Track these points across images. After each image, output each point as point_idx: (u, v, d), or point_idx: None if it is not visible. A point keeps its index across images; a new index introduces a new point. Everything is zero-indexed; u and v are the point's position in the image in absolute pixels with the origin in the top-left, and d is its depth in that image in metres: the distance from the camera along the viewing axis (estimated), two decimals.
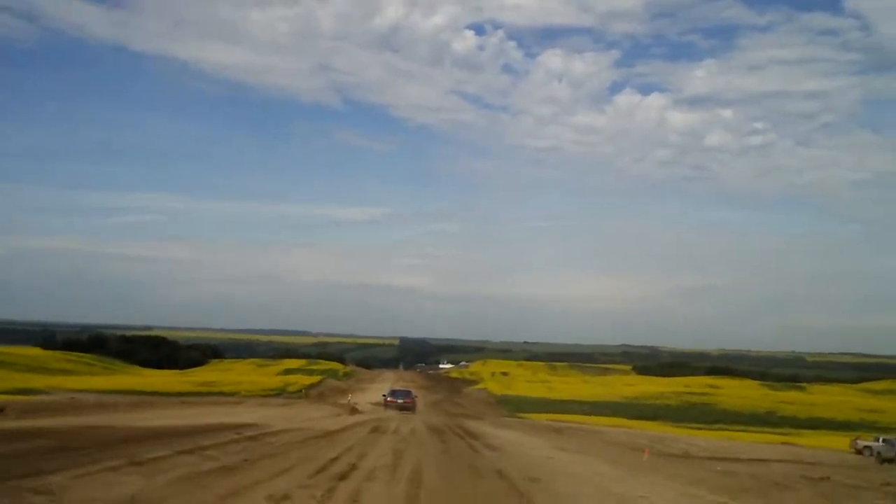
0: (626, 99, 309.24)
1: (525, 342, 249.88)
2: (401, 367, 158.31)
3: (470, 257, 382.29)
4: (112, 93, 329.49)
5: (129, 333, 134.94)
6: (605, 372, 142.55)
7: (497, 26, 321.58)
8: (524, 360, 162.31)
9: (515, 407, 59.59)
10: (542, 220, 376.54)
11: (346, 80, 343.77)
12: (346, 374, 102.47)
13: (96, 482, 9.65)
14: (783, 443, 25.82)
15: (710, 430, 45.36)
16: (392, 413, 34.04)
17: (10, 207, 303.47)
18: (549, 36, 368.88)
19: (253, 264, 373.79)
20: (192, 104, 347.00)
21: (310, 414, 31.42)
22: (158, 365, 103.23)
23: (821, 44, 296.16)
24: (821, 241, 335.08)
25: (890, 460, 34.08)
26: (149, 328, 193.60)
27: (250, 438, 16.39)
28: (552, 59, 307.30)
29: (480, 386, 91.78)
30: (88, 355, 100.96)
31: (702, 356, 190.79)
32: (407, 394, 41.96)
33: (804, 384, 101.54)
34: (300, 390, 65.99)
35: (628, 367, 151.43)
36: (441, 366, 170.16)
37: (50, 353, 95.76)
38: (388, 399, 39.96)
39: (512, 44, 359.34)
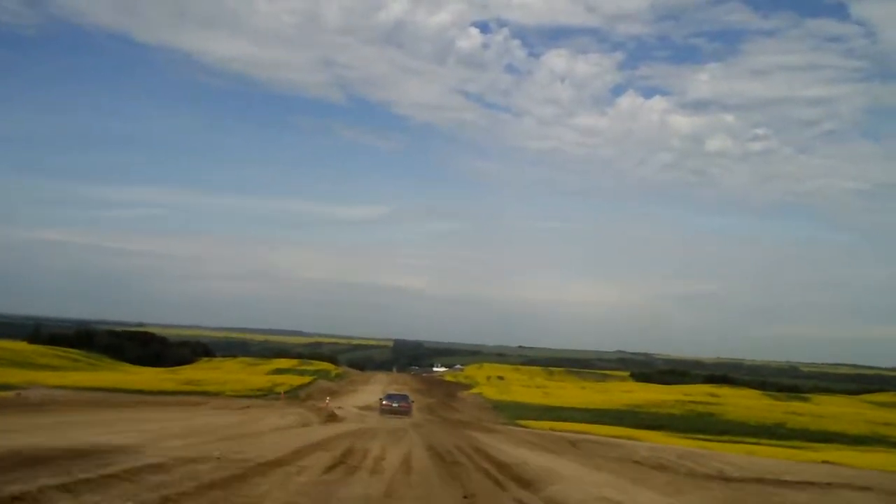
0: (628, 101, 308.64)
1: (520, 346, 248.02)
2: (394, 369, 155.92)
3: (467, 259, 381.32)
4: (111, 83, 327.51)
5: (119, 329, 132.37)
6: (603, 378, 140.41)
7: (502, 24, 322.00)
8: (520, 365, 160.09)
9: (513, 413, 57.36)
10: (541, 223, 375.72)
11: (349, 76, 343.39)
12: (338, 376, 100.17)
13: None
14: (823, 461, 23.41)
15: (718, 441, 43.34)
16: (380, 424, 29.78)
17: (3, 198, 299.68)
18: (554, 36, 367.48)
19: (249, 261, 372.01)
20: (193, 96, 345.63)
21: (267, 423, 24.40)
22: (147, 362, 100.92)
23: (826, 50, 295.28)
24: (817, 250, 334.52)
25: None
26: (142, 325, 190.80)
27: (83, 482, 8.99)
28: (556, 59, 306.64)
29: (476, 390, 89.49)
30: (75, 350, 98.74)
31: (697, 364, 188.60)
32: (403, 398, 43.20)
33: (808, 395, 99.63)
34: (280, 392, 63.73)
35: (625, 374, 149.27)
36: (435, 368, 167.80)
37: (35, 347, 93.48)
38: (385, 403, 40.77)
39: (516, 42, 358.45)
